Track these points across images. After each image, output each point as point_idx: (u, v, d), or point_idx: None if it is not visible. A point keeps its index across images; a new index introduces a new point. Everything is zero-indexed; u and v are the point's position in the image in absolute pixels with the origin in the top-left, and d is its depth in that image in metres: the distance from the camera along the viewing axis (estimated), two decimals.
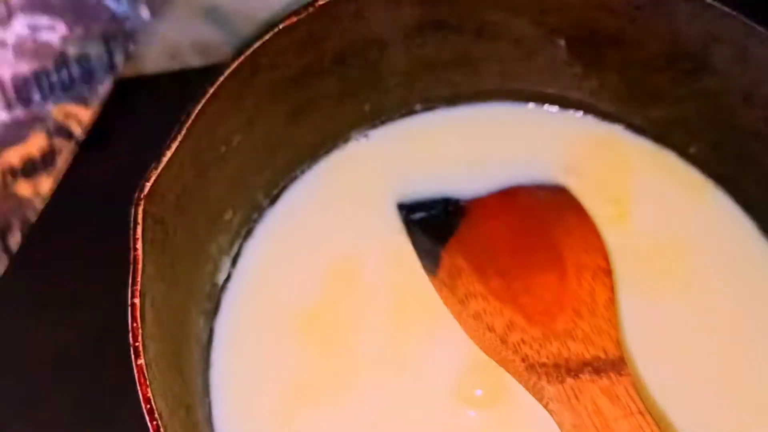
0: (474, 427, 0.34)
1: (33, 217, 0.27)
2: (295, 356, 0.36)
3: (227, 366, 0.36)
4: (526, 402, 0.33)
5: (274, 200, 0.40)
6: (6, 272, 0.36)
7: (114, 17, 0.23)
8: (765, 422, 0.33)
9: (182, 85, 0.41)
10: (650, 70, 0.39)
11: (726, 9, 0.34)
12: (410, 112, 0.42)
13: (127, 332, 0.28)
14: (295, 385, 0.35)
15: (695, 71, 0.37)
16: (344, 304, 0.37)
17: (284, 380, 0.35)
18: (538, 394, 0.32)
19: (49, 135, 0.27)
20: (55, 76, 0.27)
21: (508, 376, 0.34)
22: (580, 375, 0.31)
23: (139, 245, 0.29)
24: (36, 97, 0.26)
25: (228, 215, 0.37)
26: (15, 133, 0.24)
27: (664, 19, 0.36)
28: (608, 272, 0.35)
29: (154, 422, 0.27)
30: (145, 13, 0.24)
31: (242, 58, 0.33)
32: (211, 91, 0.32)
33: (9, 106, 0.26)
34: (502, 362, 0.33)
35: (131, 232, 0.29)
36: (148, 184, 0.30)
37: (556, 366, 0.31)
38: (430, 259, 0.37)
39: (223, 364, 0.36)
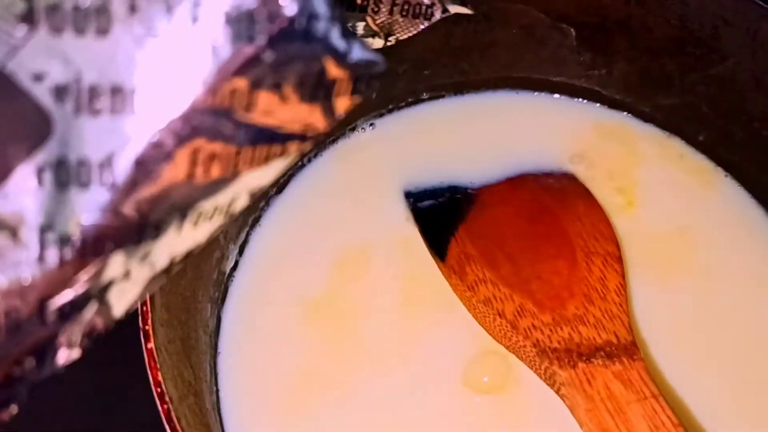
0: (481, 413, 0.34)
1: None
2: (302, 344, 0.35)
3: (234, 353, 0.35)
4: (533, 389, 0.33)
5: (281, 189, 0.39)
6: None
7: None
8: None
9: None
10: (659, 57, 0.38)
11: None
12: (417, 100, 0.42)
13: (136, 317, 0.28)
14: (302, 372, 0.35)
15: (705, 56, 0.37)
16: (351, 292, 0.37)
17: (291, 368, 0.35)
18: (549, 380, 0.31)
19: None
20: None
21: (515, 363, 0.33)
22: (593, 360, 0.31)
23: None
24: None
25: None
26: None
27: (673, 2, 0.36)
28: (618, 258, 0.35)
29: (165, 405, 0.27)
30: None
31: None
32: None
33: None
34: (513, 348, 0.33)
35: None
36: None
37: (568, 351, 0.31)
38: (439, 247, 0.37)
39: (230, 352, 0.35)
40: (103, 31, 0.20)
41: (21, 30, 0.20)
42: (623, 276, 0.35)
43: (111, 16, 0.20)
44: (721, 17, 0.35)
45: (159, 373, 0.27)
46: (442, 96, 0.42)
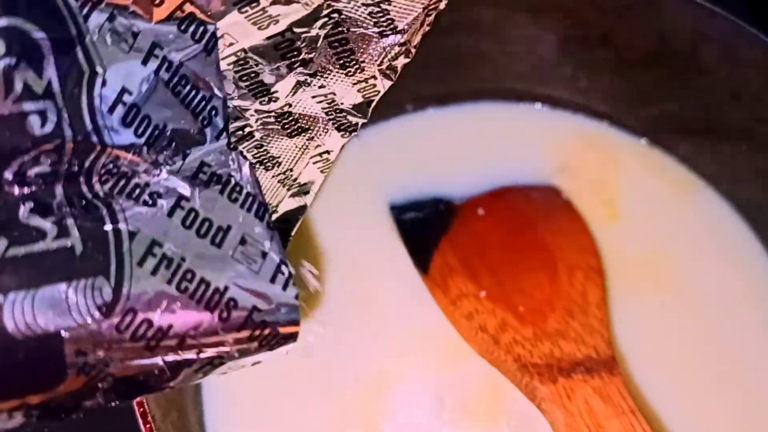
0: None
1: None
2: (286, 359, 0.35)
3: None
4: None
5: None
6: None
7: None
8: (754, 419, 0.34)
9: None
10: (640, 69, 0.39)
11: (715, 8, 0.34)
12: (401, 111, 0.42)
13: None
14: (285, 388, 0.35)
15: (684, 70, 0.37)
16: (336, 304, 0.37)
17: (275, 381, 0.35)
18: (530, 394, 0.32)
19: None
20: None
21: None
22: (573, 375, 0.31)
23: None
24: None
25: None
26: None
27: (653, 18, 0.36)
28: (600, 272, 0.36)
29: (148, 425, 0.27)
30: None
31: None
32: None
33: None
34: (495, 362, 0.33)
35: None
36: None
37: (549, 366, 0.32)
38: (422, 259, 0.37)
39: None
40: None
41: None
42: (604, 289, 0.35)
43: None
44: (699, 33, 0.35)
45: None
46: (426, 107, 0.42)
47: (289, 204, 0.32)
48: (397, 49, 0.29)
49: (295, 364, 0.35)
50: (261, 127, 0.29)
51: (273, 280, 0.27)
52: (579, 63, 0.40)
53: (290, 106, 0.30)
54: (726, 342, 0.35)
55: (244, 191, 0.27)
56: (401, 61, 0.30)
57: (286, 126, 0.30)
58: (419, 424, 0.34)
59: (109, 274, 0.23)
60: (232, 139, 0.28)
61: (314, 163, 0.31)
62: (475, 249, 0.37)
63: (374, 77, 0.30)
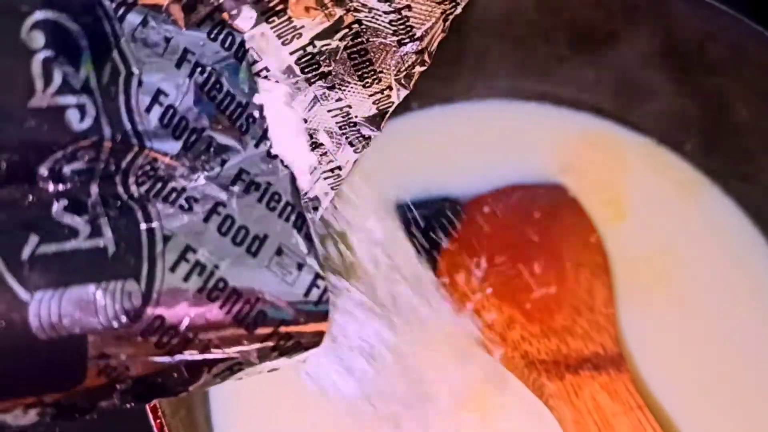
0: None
1: None
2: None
3: None
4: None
5: None
6: None
7: None
8: (759, 418, 0.34)
9: None
10: (646, 68, 0.39)
11: (723, 7, 0.34)
12: (407, 110, 0.42)
13: None
14: (290, 387, 0.35)
15: (691, 69, 0.37)
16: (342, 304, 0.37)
17: (282, 378, 0.35)
18: (537, 391, 0.32)
19: None
20: None
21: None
22: (580, 371, 0.31)
23: None
24: None
25: None
26: None
27: (660, 17, 0.36)
28: (606, 269, 0.36)
29: (158, 420, 0.27)
30: None
31: None
32: None
33: None
34: (503, 360, 0.33)
35: None
36: None
37: (556, 362, 0.32)
38: (429, 258, 0.37)
39: None
40: None
41: None
42: (611, 287, 0.35)
43: None
44: (707, 33, 0.35)
45: None
46: (432, 106, 0.42)
47: None
48: (414, 57, 0.29)
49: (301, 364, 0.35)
50: None
51: (307, 294, 0.26)
52: (585, 61, 0.40)
53: (306, 122, 0.30)
54: (731, 340, 0.35)
55: (283, 200, 0.27)
56: (417, 70, 0.30)
57: None
58: (421, 425, 0.34)
59: (140, 277, 0.23)
60: None
61: (325, 179, 0.31)
62: (482, 247, 0.37)
63: (390, 87, 0.30)
